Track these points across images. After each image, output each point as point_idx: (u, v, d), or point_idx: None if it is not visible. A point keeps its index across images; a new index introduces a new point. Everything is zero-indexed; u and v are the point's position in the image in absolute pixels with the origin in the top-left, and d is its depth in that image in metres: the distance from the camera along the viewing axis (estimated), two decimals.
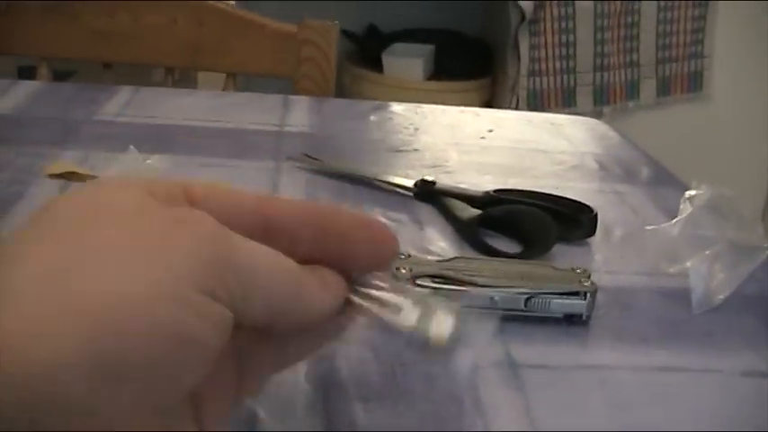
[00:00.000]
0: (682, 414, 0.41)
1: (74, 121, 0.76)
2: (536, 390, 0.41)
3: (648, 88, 2.25)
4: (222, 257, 0.24)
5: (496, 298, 0.46)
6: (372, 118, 0.85)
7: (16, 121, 0.76)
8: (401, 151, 0.76)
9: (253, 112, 0.83)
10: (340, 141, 0.77)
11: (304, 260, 0.30)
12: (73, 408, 0.21)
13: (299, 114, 0.84)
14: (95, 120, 0.77)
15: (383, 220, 0.59)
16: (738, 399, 0.43)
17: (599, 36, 2.15)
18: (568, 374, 0.43)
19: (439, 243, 0.56)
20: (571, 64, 2.16)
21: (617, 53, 2.19)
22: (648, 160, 0.80)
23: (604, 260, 0.57)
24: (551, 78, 2.15)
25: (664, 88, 2.26)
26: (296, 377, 0.40)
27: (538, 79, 2.15)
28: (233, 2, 2.00)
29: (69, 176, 0.61)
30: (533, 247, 0.56)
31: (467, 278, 0.46)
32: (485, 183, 0.68)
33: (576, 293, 0.46)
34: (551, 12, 2.10)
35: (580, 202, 0.61)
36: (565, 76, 2.16)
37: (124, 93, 0.85)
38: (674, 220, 0.55)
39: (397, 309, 0.32)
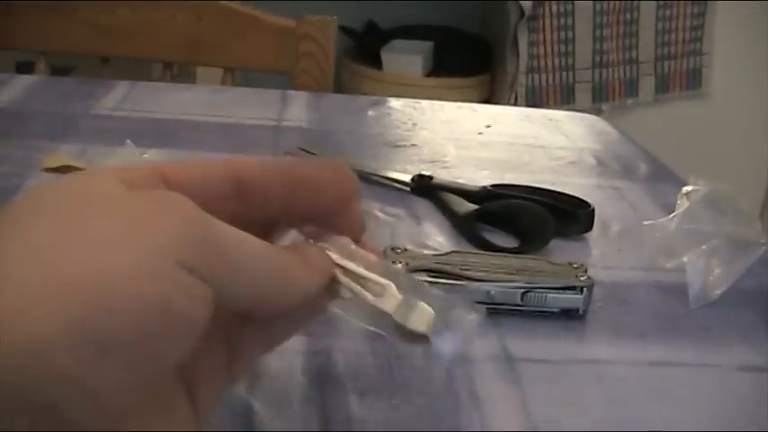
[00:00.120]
0: (678, 408, 0.41)
1: (71, 114, 0.76)
2: (532, 384, 0.41)
3: (647, 85, 2.25)
4: (202, 237, 0.25)
5: (493, 292, 0.46)
6: (370, 113, 0.85)
7: (14, 114, 0.76)
8: (399, 146, 0.76)
9: (251, 107, 0.83)
10: (338, 136, 0.77)
11: (279, 214, 0.32)
12: (63, 380, 0.21)
13: (297, 109, 0.84)
14: (93, 114, 0.77)
15: (380, 215, 0.59)
16: (735, 393, 0.43)
17: (598, 33, 2.15)
18: (565, 368, 0.43)
19: (436, 238, 0.56)
20: (570, 61, 2.16)
21: (616, 50, 2.19)
22: (647, 156, 0.80)
23: (601, 255, 0.57)
24: (550, 75, 2.15)
25: (663, 85, 2.26)
26: (292, 371, 0.40)
27: (537, 76, 2.14)
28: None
29: (66, 170, 0.61)
30: (530, 241, 0.56)
31: (463, 272, 0.46)
32: (482, 178, 0.68)
33: (572, 288, 0.46)
34: (550, 9, 2.10)
35: (577, 198, 0.61)
36: (564, 74, 2.16)
37: (122, 87, 0.85)
38: (672, 215, 0.55)
39: (381, 289, 0.32)
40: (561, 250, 0.56)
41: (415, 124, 0.83)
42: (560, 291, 0.46)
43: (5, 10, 1.10)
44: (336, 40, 1.11)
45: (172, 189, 0.28)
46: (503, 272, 0.47)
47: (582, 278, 0.47)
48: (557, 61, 2.15)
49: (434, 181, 0.63)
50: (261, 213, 0.32)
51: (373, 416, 0.38)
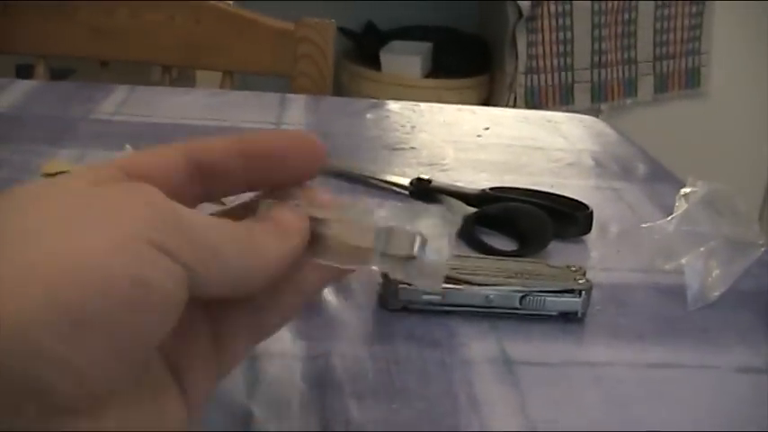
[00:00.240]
0: (677, 411, 0.41)
1: (71, 119, 0.76)
2: (531, 387, 0.41)
3: (646, 85, 2.25)
4: (172, 222, 0.25)
5: (491, 296, 0.46)
6: (369, 116, 0.85)
7: (13, 119, 0.76)
8: (398, 149, 0.76)
9: (250, 110, 0.83)
10: (337, 139, 0.77)
11: (244, 189, 0.33)
12: (47, 358, 0.22)
13: (296, 112, 0.84)
14: (92, 118, 0.77)
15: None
16: (734, 395, 0.43)
17: (596, 33, 2.15)
18: (563, 371, 0.43)
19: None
20: (569, 61, 2.16)
21: (614, 50, 2.19)
22: (645, 157, 0.80)
23: (600, 257, 0.57)
24: (549, 76, 2.15)
25: (661, 85, 2.26)
26: (291, 375, 0.41)
27: (535, 77, 2.15)
28: (231, 0, 2.01)
29: None
30: (529, 244, 0.56)
31: (462, 276, 0.46)
32: (481, 180, 0.68)
33: (570, 291, 0.47)
34: (548, 9, 2.10)
35: (576, 200, 0.61)
36: (562, 74, 2.16)
37: (121, 91, 0.85)
38: (670, 217, 0.56)
39: (358, 227, 0.32)
40: (560, 252, 0.56)
41: (413, 127, 0.83)
42: (559, 294, 0.47)
43: (3, 10, 1.10)
44: (335, 41, 1.11)
45: (136, 178, 0.29)
46: (501, 275, 0.47)
47: (580, 281, 0.47)
48: (555, 62, 2.15)
49: (433, 184, 0.63)
50: (225, 191, 0.33)
51: (372, 420, 0.38)
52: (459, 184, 0.64)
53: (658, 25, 2.22)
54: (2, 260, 0.23)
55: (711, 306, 0.51)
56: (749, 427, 0.41)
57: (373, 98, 0.93)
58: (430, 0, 2.63)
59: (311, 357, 0.42)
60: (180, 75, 1.35)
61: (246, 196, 0.35)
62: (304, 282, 0.32)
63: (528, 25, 2.10)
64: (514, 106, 2.13)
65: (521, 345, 0.45)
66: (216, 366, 0.31)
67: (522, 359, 0.44)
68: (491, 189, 0.62)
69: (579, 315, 0.47)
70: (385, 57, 2.40)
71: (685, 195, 0.57)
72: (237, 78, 1.17)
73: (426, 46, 2.45)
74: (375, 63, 2.40)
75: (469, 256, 0.51)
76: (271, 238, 0.30)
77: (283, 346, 0.42)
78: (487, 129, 0.84)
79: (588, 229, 0.59)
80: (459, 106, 0.93)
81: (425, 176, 0.64)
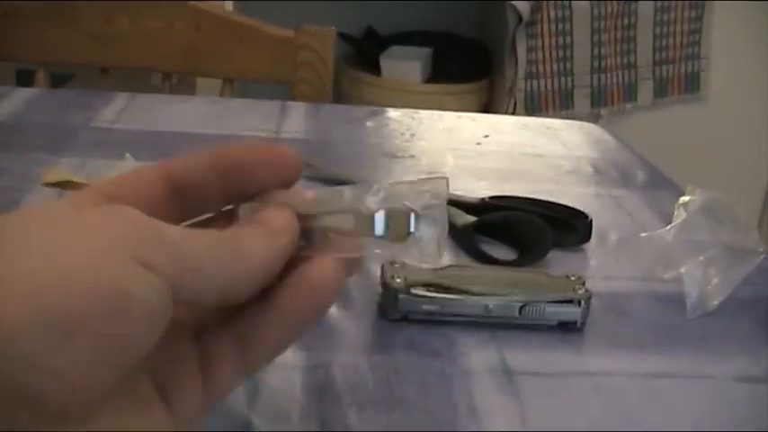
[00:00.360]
0: (677, 420, 0.41)
1: (71, 127, 0.76)
2: (531, 396, 0.42)
3: (646, 90, 2.25)
4: (154, 238, 0.26)
5: (491, 306, 0.46)
6: (369, 123, 0.85)
7: (13, 127, 0.76)
8: (398, 157, 0.76)
9: (249, 118, 0.83)
10: (337, 147, 0.77)
11: (220, 202, 0.33)
12: (37, 367, 0.22)
13: (296, 120, 0.84)
14: (92, 126, 0.77)
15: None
16: (732, 404, 0.43)
17: (596, 38, 2.15)
18: (563, 381, 0.43)
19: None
20: (568, 66, 2.16)
21: (614, 55, 2.19)
22: (644, 164, 0.80)
23: (599, 266, 0.57)
24: (549, 81, 2.16)
25: (661, 90, 2.26)
26: (291, 385, 0.41)
27: (535, 82, 2.15)
28: (231, 1, 2.01)
29: (65, 185, 0.62)
30: (529, 253, 0.56)
31: (461, 287, 0.46)
32: (481, 188, 0.68)
33: (570, 301, 0.47)
34: (548, 14, 2.10)
35: (575, 208, 0.61)
36: (562, 79, 2.16)
37: (121, 99, 0.86)
38: (669, 226, 0.56)
39: (349, 217, 0.32)
40: (559, 261, 0.56)
41: (413, 134, 0.83)
42: (558, 303, 0.47)
43: (3, 17, 1.10)
44: (335, 46, 1.11)
45: (116, 199, 0.31)
46: (501, 285, 0.47)
47: (579, 291, 0.47)
48: (555, 66, 2.15)
49: None
50: (203, 206, 0.33)
51: (372, 430, 0.38)
52: (458, 192, 0.64)
53: (658, 30, 2.22)
54: None
55: (710, 314, 0.51)
56: None
57: (373, 103, 0.93)
58: (429, 4, 2.63)
59: (311, 367, 0.42)
60: (180, 80, 1.36)
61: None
62: (290, 312, 0.32)
63: (528, 30, 2.11)
64: (514, 111, 2.13)
65: (520, 354, 0.45)
66: (203, 392, 0.31)
67: (521, 369, 0.44)
68: (490, 198, 0.62)
69: (578, 324, 0.47)
70: (385, 62, 2.40)
71: (684, 204, 0.58)
72: (237, 85, 1.17)
73: (426, 51, 2.45)
74: (375, 68, 2.40)
75: (469, 266, 0.51)
76: (258, 239, 0.30)
77: (283, 356, 0.42)
78: (487, 136, 0.84)
79: (587, 237, 0.59)
80: (459, 113, 0.93)
81: None
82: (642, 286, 0.54)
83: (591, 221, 0.59)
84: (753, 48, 2.22)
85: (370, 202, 0.32)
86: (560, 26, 2.13)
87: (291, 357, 0.43)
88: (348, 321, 0.47)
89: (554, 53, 2.14)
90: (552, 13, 2.11)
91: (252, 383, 0.40)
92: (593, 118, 2.13)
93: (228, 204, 0.34)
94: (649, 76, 2.25)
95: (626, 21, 2.19)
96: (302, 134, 0.80)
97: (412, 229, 0.31)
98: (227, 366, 0.32)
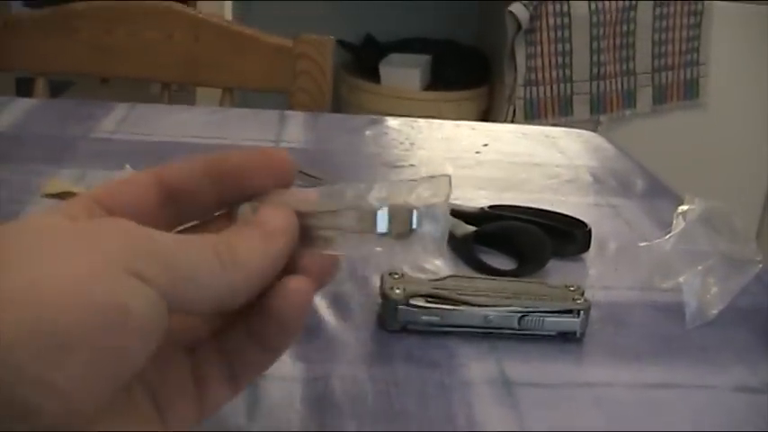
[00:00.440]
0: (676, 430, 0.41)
1: (71, 137, 0.76)
2: (530, 408, 0.42)
3: (645, 96, 2.25)
4: (146, 250, 0.26)
5: (490, 317, 0.46)
6: (368, 133, 0.85)
7: (13, 138, 0.76)
8: (397, 166, 0.76)
9: (249, 127, 0.84)
10: (336, 157, 0.78)
11: (215, 207, 0.33)
12: (33, 381, 0.23)
13: (295, 130, 0.85)
14: (92, 137, 0.78)
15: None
16: (732, 415, 0.43)
17: (595, 45, 2.15)
18: (562, 392, 0.43)
19: (434, 261, 0.57)
20: (568, 73, 2.16)
21: (613, 62, 2.19)
22: (643, 172, 0.80)
23: (598, 275, 0.57)
24: (548, 88, 2.16)
25: (660, 96, 2.26)
26: (290, 398, 0.41)
27: (534, 89, 2.15)
28: (231, 1, 2.02)
29: (65, 196, 0.62)
30: (528, 263, 0.56)
31: (460, 297, 0.46)
32: (480, 198, 0.68)
33: (569, 311, 0.47)
34: (547, 21, 2.11)
35: (574, 218, 0.61)
36: (561, 86, 2.17)
37: (120, 109, 0.86)
38: (668, 236, 0.56)
39: (351, 214, 0.32)
40: (559, 271, 0.56)
41: (412, 144, 0.83)
42: (557, 314, 0.47)
43: (4, 23, 1.10)
44: (334, 54, 1.11)
45: (109, 212, 0.31)
46: (500, 296, 0.47)
47: (578, 301, 0.47)
48: (554, 73, 2.15)
49: None
50: (198, 212, 0.33)
51: None
52: (457, 201, 0.64)
53: (656, 37, 2.22)
54: None
55: (709, 324, 0.51)
56: None
57: (372, 110, 0.93)
58: (429, 12, 2.64)
59: (310, 380, 0.42)
60: (180, 88, 1.36)
61: None
62: (263, 337, 0.32)
63: (527, 37, 2.11)
64: (513, 118, 2.14)
65: (520, 365, 0.45)
66: (197, 403, 0.31)
67: (521, 380, 0.44)
68: (490, 207, 0.62)
69: (578, 335, 0.47)
70: (384, 69, 2.40)
71: (683, 213, 0.58)
72: (237, 94, 1.17)
73: (425, 58, 2.45)
74: (374, 76, 2.41)
75: (468, 277, 0.51)
76: (254, 243, 0.30)
77: (283, 369, 0.43)
78: (486, 145, 0.85)
79: (587, 247, 0.59)
80: (458, 122, 0.93)
81: None
82: (641, 296, 0.54)
83: (590, 231, 0.59)
84: (752, 54, 2.22)
85: (373, 199, 0.32)
86: (559, 33, 2.13)
87: (291, 369, 0.43)
88: (347, 333, 0.47)
89: (553, 60, 2.15)
90: (551, 21, 2.12)
91: (251, 395, 0.40)
92: (593, 125, 2.13)
93: (222, 209, 0.34)
94: (648, 83, 2.25)
95: (625, 27, 2.19)
96: (301, 144, 0.80)
97: (414, 226, 0.31)
98: (218, 383, 0.32)
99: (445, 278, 0.49)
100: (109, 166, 0.68)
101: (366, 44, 2.57)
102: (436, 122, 0.92)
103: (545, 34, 2.12)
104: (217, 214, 0.34)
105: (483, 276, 0.52)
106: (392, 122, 0.90)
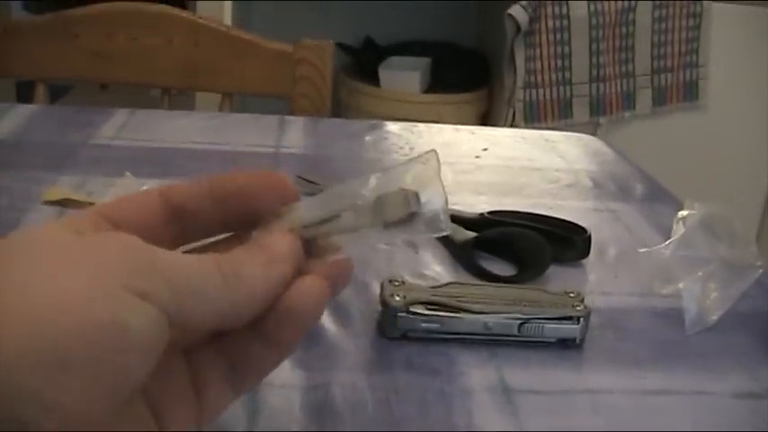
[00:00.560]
0: None
1: (71, 144, 0.77)
2: (530, 416, 0.42)
3: (644, 98, 2.25)
4: (147, 265, 0.27)
5: (490, 324, 0.46)
6: (368, 138, 0.85)
7: (13, 146, 0.76)
8: None
9: (249, 133, 0.84)
10: (336, 162, 0.78)
11: (218, 228, 0.34)
12: (33, 399, 0.23)
13: (295, 135, 0.85)
14: (92, 143, 0.78)
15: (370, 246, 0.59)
16: (732, 421, 0.43)
17: (594, 47, 2.15)
18: (562, 399, 0.43)
19: (434, 267, 0.57)
20: (567, 75, 2.16)
21: (612, 64, 2.19)
22: (642, 176, 0.80)
23: (598, 281, 0.57)
24: (547, 90, 2.16)
25: (660, 98, 2.26)
26: (290, 405, 0.41)
27: (534, 91, 2.15)
28: (231, 2, 2.02)
29: (66, 203, 0.62)
30: (528, 269, 0.56)
31: (460, 305, 0.46)
32: (480, 203, 0.68)
33: (569, 318, 0.47)
34: (546, 23, 2.11)
35: (574, 223, 0.61)
36: (561, 88, 2.17)
37: (120, 115, 0.86)
38: (667, 242, 0.56)
39: (350, 215, 0.32)
40: (558, 276, 0.56)
41: (412, 148, 0.83)
42: (557, 321, 0.47)
43: (3, 28, 1.10)
44: (334, 57, 1.12)
45: (115, 227, 0.31)
46: (500, 303, 0.47)
47: (578, 308, 0.47)
48: (554, 76, 2.16)
49: None
50: (202, 232, 0.34)
51: None
52: (457, 207, 0.64)
53: (656, 38, 2.22)
54: None
55: (709, 329, 0.51)
56: None
57: (372, 113, 0.93)
58: (428, 14, 2.64)
59: (310, 387, 0.42)
60: (179, 91, 1.36)
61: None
62: (274, 336, 0.32)
63: (526, 40, 2.11)
64: (513, 120, 2.14)
65: (519, 372, 0.45)
66: (196, 410, 0.31)
67: (520, 387, 0.44)
68: (489, 213, 0.62)
69: (577, 341, 0.47)
70: (384, 72, 2.40)
71: (683, 218, 0.58)
72: (237, 100, 1.17)
73: (425, 61, 2.45)
74: (374, 79, 2.41)
75: (468, 283, 0.51)
76: (257, 266, 0.30)
77: (283, 376, 0.43)
78: (486, 149, 0.85)
79: (586, 252, 0.59)
80: (457, 126, 0.93)
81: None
82: (641, 302, 0.54)
83: (590, 237, 0.59)
84: (751, 55, 2.22)
85: (368, 193, 0.32)
86: (558, 36, 2.13)
87: (291, 377, 0.43)
88: (347, 340, 0.47)
89: (552, 62, 2.15)
90: (550, 23, 2.12)
91: (251, 403, 0.40)
92: (592, 127, 2.13)
93: (226, 229, 0.34)
94: (648, 85, 2.25)
95: (624, 30, 2.19)
96: (301, 149, 0.80)
97: (414, 208, 0.32)
98: (218, 386, 0.32)
99: (445, 285, 0.49)
100: (109, 172, 0.68)
101: (366, 47, 2.57)
102: (436, 127, 0.92)
103: (544, 36, 2.12)
104: (226, 236, 0.35)
105: (483, 283, 0.52)
106: (392, 127, 0.90)
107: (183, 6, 1.13)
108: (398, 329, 0.47)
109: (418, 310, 0.46)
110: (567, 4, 2.09)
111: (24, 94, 1.13)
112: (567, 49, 2.15)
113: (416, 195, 0.32)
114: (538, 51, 2.13)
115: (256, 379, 0.34)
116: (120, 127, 0.82)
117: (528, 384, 0.44)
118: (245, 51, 1.10)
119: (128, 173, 0.64)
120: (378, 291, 0.49)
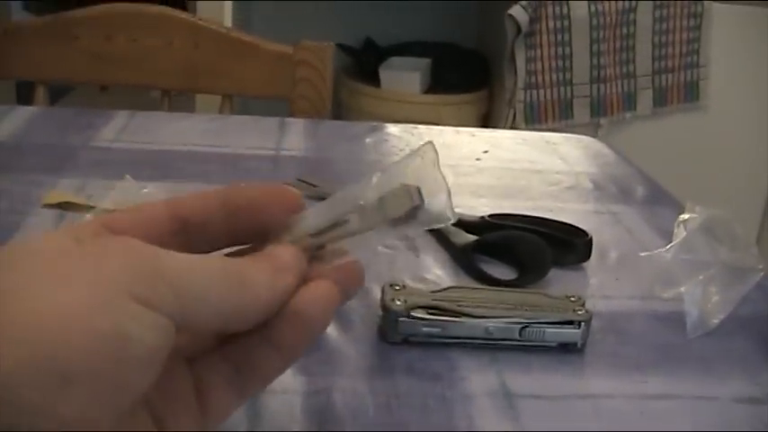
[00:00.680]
0: None
1: (71, 147, 0.76)
2: (531, 420, 0.42)
3: (645, 99, 2.25)
4: (150, 269, 0.26)
5: (491, 328, 0.46)
6: (368, 140, 0.85)
7: (13, 148, 0.76)
8: None
9: (249, 135, 0.83)
10: (336, 165, 0.78)
11: (225, 240, 0.34)
12: (35, 412, 0.23)
13: (295, 137, 0.84)
14: (92, 146, 0.77)
15: (379, 248, 0.59)
16: (733, 426, 0.43)
17: (595, 48, 2.15)
18: (563, 404, 0.43)
19: (435, 271, 0.56)
20: (568, 76, 2.16)
21: (613, 64, 2.19)
22: (643, 178, 0.80)
23: (599, 284, 0.57)
24: (548, 91, 2.16)
25: (660, 99, 2.26)
26: (291, 411, 0.41)
27: (535, 92, 2.15)
28: (231, 2, 2.02)
29: (66, 206, 0.62)
30: (529, 272, 0.56)
31: (461, 309, 0.46)
32: (480, 206, 0.68)
33: (570, 322, 0.47)
34: (547, 24, 2.11)
35: (575, 226, 0.61)
36: (561, 89, 2.17)
37: (120, 117, 0.86)
38: (669, 246, 0.56)
39: (354, 217, 0.32)
40: (559, 280, 0.56)
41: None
42: (558, 325, 0.47)
43: (3, 30, 1.10)
44: (334, 57, 1.11)
45: (119, 234, 0.31)
46: (501, 307, 0.47)
47: (579, 312, 0.47)
48: (554, 77, 2.15)
49: None
50: (208, 244, 0.34)
51: None
52: (458, 210, 0.63)
53: (657, 39, 2.22)
54: None
55: (710, 333, 0.51)
56: None
57: (372, 114, 0.93)
58: (428, 15, 2.64)
59: (311, 392, 0.42)
60: (179, 95, 1.36)
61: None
62: (282, 341, 0.32)
63: (527, 41, 2.11)
64: (514, 121, 2.13)
65: (521, 377, 0.45)
66: (199, 417, 0.31)
67: (522, 392, 0.44)
68: (490, 216, 0.62)
69: (579, 346, 0.47)
70: (384, 73, 2.40)
71: (684, 222, 0.58)
72: (237, 101, 1.17)
73: (425, 62, 2.45)
74: (374, 79, 2.41)
75: (469, 287, 0.51)
76: (263, 274, 0.30)
77: (284, 382, 0.42)
78: (486, 152, 0.84)
79: (587, 256, 0.59)
80: (458, 128, 0.93)
81: None
82: (642, 305, 0.54)
83: (591, 240, 0.59)
84: (752, 56, 2.22)
85: (370, 193, 0.32)
86: (559, 36, 2.13)
87: (292, 382, 0.43)
88: (348, 345, 0.47)
89: (553, 63, 2.15)
90: (551, 24, 2.12)
91: (253, 409, 0.40)
92: (593, 128, 2.13)
93: (233, 241, 0.34)
94: (649, 86, 2.25)
95: (625, 30, 2.19)
96: (301, 151, 0.80)
97: (417, 202, 0.32)
98: (221, 392, 0.32)
99: (446, 289, 0.49)
100: (109, 175, 0.68)
101: (366, 48, 2.57)
102: (436, 129, 0.92)
103: (545, 37, 2.12)
104: (240, 249, 0.35)
105: (484, 287, 0.52)
106: (392, 129, 0.90)
107: (184, 7, 1.13)
108: (399, 334, 0.46)
109: (419, 315, 0.46)
110: (568, 4, 2.09)
111: (24, 95, 1.13)
112: (567, 50, 2.14)
113: (418, 189, 0.32)
114: (538, 52, 2.13)
115: (261, 385, 0.34)
116: (120, 129, 0.82)
117: (529, 389, 0.44)
118: (246, 53, 1.10)
119: (128, 176, 0.64)
120: (378, 295, 0.48)
